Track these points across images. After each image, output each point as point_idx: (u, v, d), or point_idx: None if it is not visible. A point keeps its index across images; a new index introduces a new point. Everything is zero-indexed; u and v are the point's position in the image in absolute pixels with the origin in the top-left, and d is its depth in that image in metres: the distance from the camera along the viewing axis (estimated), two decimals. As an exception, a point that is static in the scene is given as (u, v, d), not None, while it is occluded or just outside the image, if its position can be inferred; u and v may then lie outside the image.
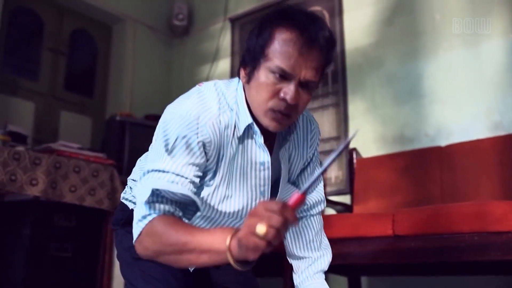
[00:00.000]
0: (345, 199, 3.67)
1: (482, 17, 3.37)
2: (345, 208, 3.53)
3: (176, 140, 1.24)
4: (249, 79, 1.28)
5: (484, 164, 3.05)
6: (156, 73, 5.00)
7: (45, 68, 4.35)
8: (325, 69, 1.30)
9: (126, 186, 1.57)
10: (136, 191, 1.29)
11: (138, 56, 4.88)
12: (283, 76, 1.21)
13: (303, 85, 1.23)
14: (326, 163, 1.01)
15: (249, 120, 1.30)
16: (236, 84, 1.36)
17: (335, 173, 3.80)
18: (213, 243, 1.09)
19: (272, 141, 1.39)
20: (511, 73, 3.20)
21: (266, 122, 1.27)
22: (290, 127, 1.40)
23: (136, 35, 4.90)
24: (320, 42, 1.21)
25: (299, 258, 1.55)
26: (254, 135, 1.33)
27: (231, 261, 1.05)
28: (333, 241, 2.75)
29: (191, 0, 5.16)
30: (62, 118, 4.39)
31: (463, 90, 3.36)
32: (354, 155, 3.62)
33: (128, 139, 3.96)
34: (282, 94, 1.22)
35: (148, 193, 1.22)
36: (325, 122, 3.92)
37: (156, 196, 1.24)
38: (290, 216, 0.95)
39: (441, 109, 3.42)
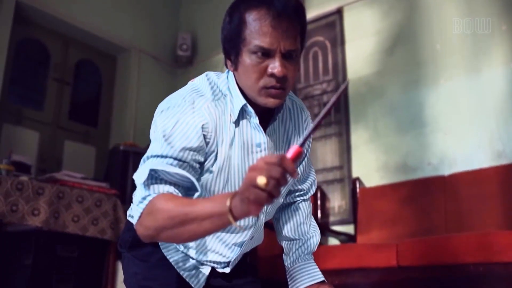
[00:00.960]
0: (349, 228, 3.65)
1: (482, 46, 3.40)
2: (349, 238, 3.51)
3: (173, 126, 1.27)
4: (236, 66, 1.32)
5: (488, 193, 3.03)
6: (160, 103, 5.02)
7: (50, 98, 4.39)
8: (303, 35, 1.34)
9: (132, 203, 1.57)
10: (135, 176, 1.30)
11: (142, 86, 4.92)
12: (265, 53, 1.25)
13: (286, 56, 1.27)
14: (320, 114, 1.01)
15: (243, 101, 1.33)
16: (227, 73, 1.41)
17: (338, 202, 3.79)
18: (214, 208, 1.08)
19: (267, 123, 1.42)
20: (513, 102, 3.22)
21: (263, 100, 1.30)
22: (278, 107, 1.42)
23: (140, 65, 4.95)
24: (289, 11, 1.25)
25: (290, 239, 1.60)
26: (249, 117, 1.36)
27: (232, 222, 1.05)
28: (337, 272, 2.74)
29: (195, 31, 5.23)
30: (66, 148, 4.41)
31: (465, 119, 3.37)
32: (357, 185, 3.61)
33: (132, 169, 3.97)
34: (269, 70, 1.26)
35: (145, 174, 1.24)
36: (327, 152, 3.92)
37: (155, 179, 1.25)
38: (289, 168, 0.95)
39: (444, 138, 3.43)
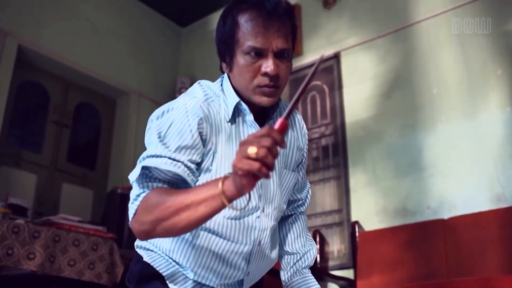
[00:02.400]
0: (348, 273, 3.59)
1: (479, 90, 3.44)
2: (349, 283, 3.46)
3: (168, 127, 1.30)
4: (230, 67, 1.38)
5: (488, 237, 3.01)
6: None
7: (48, 141, 4.40)
8: (294, 34, 1.39)
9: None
10: (130, 175, 1.31)
11: (141, 129, 4.93)
12: (258, 53, 1.31)
13: (278, 55, 1.32)
14: (304, 82, 1.04)
15: (236, 99, 1.38)
16: (221, 77, 1.47)
17: (338, 246, 3.74)
18: (208, 191, 1.10)
19: (263, 122, 1.45)
20: (511, 145, 3.23)
21: (257, 99, 1.35)
22: (274, 106, 1.46)
23: (140, 109, 4.98)
24: (279, 11, 1.32)
25: (287, 253, 1.60)
26: (243, 115, 1.40)
27: (226, 202, 1.06)
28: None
29: (194, 75, 5.29)
30: (64, 190, 4.38)
31: (463, 163, 3.38)
32: (357, 229, 3.58)
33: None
34: (263, 69, 1.31)
35: (138, 172, 1.26)
36: (326, 195, 3.90)
37: (149, 177, 1.27)
38: (277, 137, 0.96)
39: (442, 181, 3.42)
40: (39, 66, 4.45)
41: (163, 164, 1.24)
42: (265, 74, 1.31)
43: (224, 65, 1.41)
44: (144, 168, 1.27)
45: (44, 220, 3.31)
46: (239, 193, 1.04)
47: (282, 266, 1.60)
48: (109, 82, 4.81)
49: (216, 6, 5.24)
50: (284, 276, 1.58)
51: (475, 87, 3.47)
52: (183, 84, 5.13)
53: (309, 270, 1.59)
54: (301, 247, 1.60)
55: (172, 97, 5.19)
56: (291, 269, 1.57)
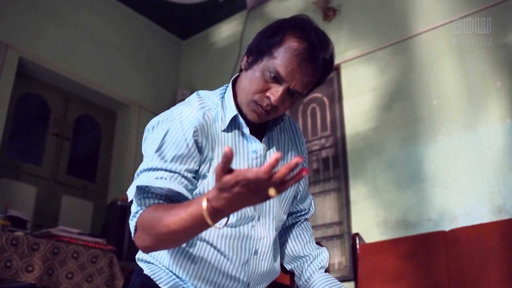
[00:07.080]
0: (349, 286, 3.57)
1: (479, 102, 3.45)
2: (350, 296, 3.44)
3: (163, 138, 1.31)
4: (248, 67, 1.38)
5: (489, 249, 2.99)
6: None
7: (49, 153, 4.39)
8: (315, 86, 1.41)
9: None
10: (128, 192, 1.33)
11: (141, 141, 4.92)
12: (277, 78, 1.31)
13: (289, 93, 1.34)
14: None
15: (234, 112, 1.38)
16: (225, 86, 1.47)
17: (338, 259, 3.73)
18: (197, 221, 1.10)
19: (262, 133, 1.46)
20: (511, 156, 3.22)
21: (247, 111, 1.37)
22: (276, 120, 1.48)
23: (140, 121, 4.98)
24: (319, 61, 1.33)
25: (300, 258, 1.59)
26: (242, 127, 1.40)
27: (217, 226, 1.10)
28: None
29: (194, 87, 5.30)
30: (64, 202, 4.37)
31: (464, 174, 3.37)
32: (357, 241, 3.56)
33: (129, 225, 3.92)
34: (268, 93, 1.32)
35: (134, 191, 1.28)
36: (327, 207, 3.89)
37: (146, 193, 1.28)
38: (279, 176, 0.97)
39: (443, 193, 3.41)
40: (39, 79, 4.46)
41: (157, 181, 1.25)
42: (268, 97, 1.32)
43: (245, 59, 1.41)
44: (138, 186, 1.28)
45: (43, 232, 3.30)
46: (227, 214, 1.08)
47: (296, 272, 1.58)
48: (110, 94, 4.82)
49: (216, 19, 5.27)
50: (301, 280, 1.55)
51: (475, 98, 3.48)
52: (183, 96, 5.13)
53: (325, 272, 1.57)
54: (312, 250, 1.59)
55: (173, 109, 5.19)
56: (307, 272, 1.55)
